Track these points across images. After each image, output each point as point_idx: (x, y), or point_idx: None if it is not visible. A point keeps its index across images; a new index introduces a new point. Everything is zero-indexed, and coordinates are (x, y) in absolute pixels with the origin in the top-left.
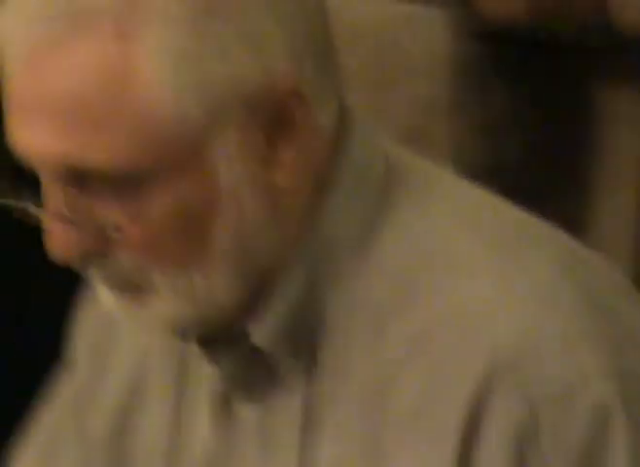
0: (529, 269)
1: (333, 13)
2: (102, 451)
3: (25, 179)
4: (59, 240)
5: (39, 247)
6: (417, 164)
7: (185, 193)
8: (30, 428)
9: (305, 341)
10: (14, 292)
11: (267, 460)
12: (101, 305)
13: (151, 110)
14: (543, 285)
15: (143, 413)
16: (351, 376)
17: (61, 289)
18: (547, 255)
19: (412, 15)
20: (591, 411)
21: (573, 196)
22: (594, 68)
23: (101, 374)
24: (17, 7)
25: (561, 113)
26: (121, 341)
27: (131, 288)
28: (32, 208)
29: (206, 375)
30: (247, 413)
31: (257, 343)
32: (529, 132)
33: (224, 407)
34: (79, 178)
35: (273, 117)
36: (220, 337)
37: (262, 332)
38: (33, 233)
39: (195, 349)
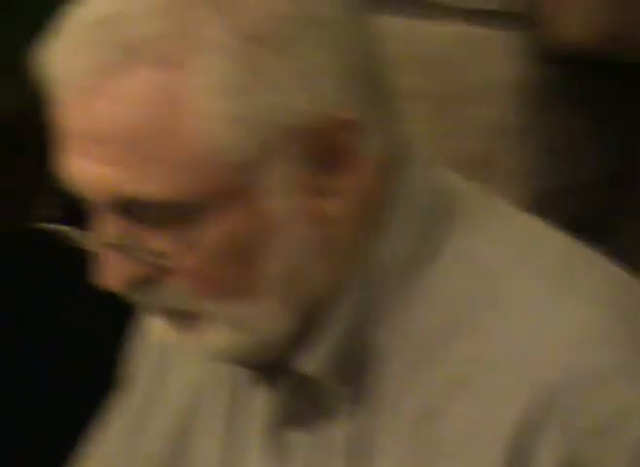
0: (576, 302)
1: (398, 36)
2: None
3: (74, 206)
4: (109, 269)
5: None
6: (471, 194)
7: (235, 223)
8: (85, 451)
9: (354, 371)
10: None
11: None
12: (152, 333)
13: (200, 141)
14: (588, 319)
15: (195, 441)
16: (398, 406)
17: (120, 313)
18: (594, 287)
19: (478, 38)
20: (636, 443)
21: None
22: None
23: (156, 399)
24: (69, 36)
25: (630, 137)
26: (173, 368)
27: (181, 316)
28: (79, 235)
29: (257, 404)
30: (296, 442)
31: (306, 373)
32: (597, 156)
33: (273, 436)
34: (129, 208)
35: (324, 147)
36: (269, 366)
37: (311, 362)
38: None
39: (245, 379)
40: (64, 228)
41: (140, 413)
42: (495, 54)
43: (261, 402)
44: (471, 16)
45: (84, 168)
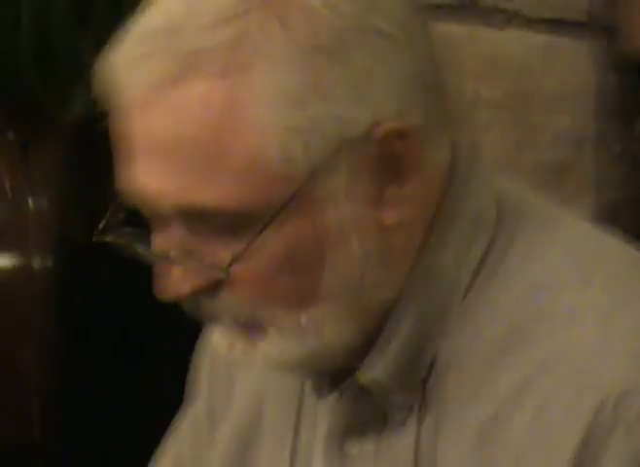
0: (638, 311)
1: (466, 43)
2: None
3: (135, 218)
4: (168, 280)
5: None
6: (532, 203)
7: (292, 233)
8: (156, 461)
9: (416, 380)
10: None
11: None
12: (214, 344)
13: (256, 151)
14: None
15: (258, 451)
16: (461, 415)
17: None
18: None
19: (551, 46)
20: None
21: None
22: None
23: (221, 413)
24: (129, 46)
25: None
26: (238, 380)
27: (241, 327)
28: (141, 248)
29: (320, 414)
30: (359, 452)
31: (368, 383)
32: None
33: (337, 446)
34: (185, 218)
35: (379, 157)
36: (332, 375)
37: (370, 371)
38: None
39: (309, 389)
40: (127, 239)
41: (205, 427)
42: (569, 63)
43: (324, 412)
44: (541, 23)
45: (142, 179)
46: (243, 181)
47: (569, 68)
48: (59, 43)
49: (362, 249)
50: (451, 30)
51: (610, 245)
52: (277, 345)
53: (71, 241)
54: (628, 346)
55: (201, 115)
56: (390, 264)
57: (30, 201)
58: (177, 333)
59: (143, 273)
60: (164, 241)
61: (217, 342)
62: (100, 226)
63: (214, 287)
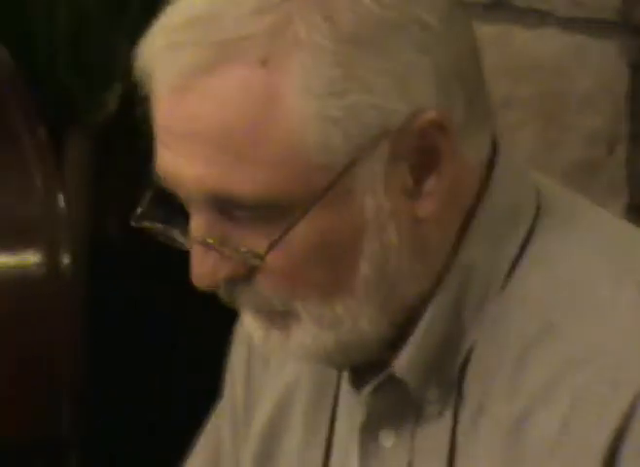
0: None
1: (498, 43)
2: None
3: (172, 205)
4: (202, 267)
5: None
6: (564, 198)
7: (327, 223)
8: (197, 443)
9: (448, 373)
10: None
11: None
12: (247, 333)
13: (294, 139)
14: None
15: (288, 441)
16: (493, 407)
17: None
18: None
19: (583, 45)
20: None
21: None
22: None
23: (253, 401)
24: (165, 33)
25: None
26: (270, 368)
27: (274, 316)
28: (178, 235)
29: (356, 407)
30: (394, 444)
31: (398, 374)
32: None
33: (372, 438)
34: (221, 205)
35: (417, 148)
36: (365, 367)
37: (402, 362)
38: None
39: (342, 381)
40: (164, 226)
41: (242, 419)
42: (601, 63)
43: (360, 405)
44: (573, 23)
45: (177, 166)
46: (281, 169)
47: (601, 68)
48: (94, 42)
49: (397, 240)
50: (484, 29)
51: (638, 240)
52: (311, 334)
53: (101, 239)
54: None
55: (240, 102)
56: (425, 256)
57: (61, 199)
58: (206, 329)
59: (172, 271)
60: (201, 228)
61: (251, 331)
62: (137, 212)
63: (249, 274)
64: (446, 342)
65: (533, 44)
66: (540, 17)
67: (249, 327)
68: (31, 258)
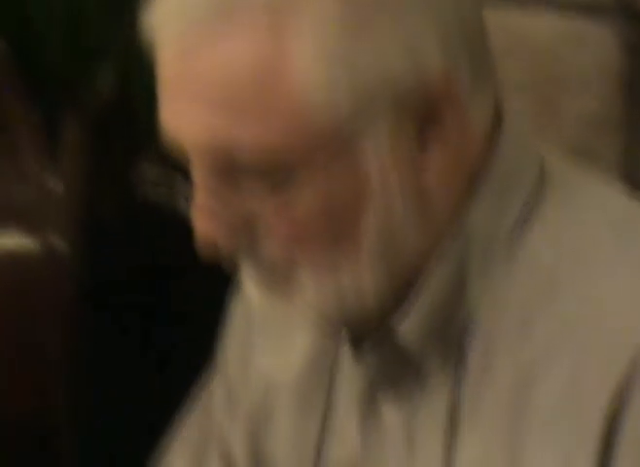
0: None
1: (496, 27)
2: (244, 452)
3: (177, 172)
4: (206, 231)
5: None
6: (568, 168)
7: (332, 187)
8: (184, 424)
9: (452, 340)
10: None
11: (413, 458)
12: (248, 300)
13: (301, 103)
14: None
15: (282, 420)
16: (495, 373)
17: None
18: None
19: (579, 29)
20: None
21: None
22: None
23: (247, 371)
24: None
25: None
26: (267, 335)
27: (277, 281)
28: (182, 199)
29: (356, 374)
30: (393, 412)
31: (399, 341)
32: None
33: (370, 407)
34: (227, 168)
35: (423, 115)
36: (367, 334)
37: (405, 329)
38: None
39: (344, 349)
40: (168, 193)
41: (234, 388)
42: (597, 48)
43: (360, 371)
44: (571, 8)
45: (181, 123)
46: (283, 131)
47: (597, 52)
48: (89, 23)
49: (402, 202)
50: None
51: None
52: (313, 297)
53: (94, 223)
54: None
55: (247, 59)
56: (429, 219)
57: (53, 183)
58: (199, 311)
59: (164, 254)
60: (205, 189)
61: (253, 292)
62: (142, 182)
63: (253, 234)
64: (449, 309)
65: (530, 28)
66: (537, 2)
67: (251, 292)
68: (26, 242)
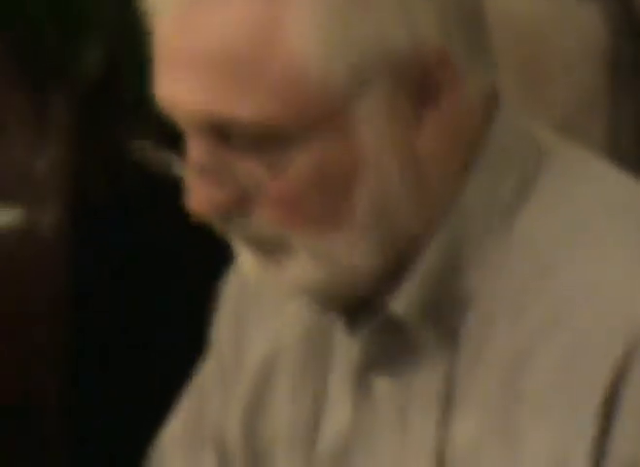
0: None
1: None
2: (239, 434)
3: (169, 137)
4: (199, 195)
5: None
6: (563, 145)
7: (327, 153)
8: (178, 409)
9: (447, 316)
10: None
11: (405, 435)
12: (242, 275)
13: (297, 66)
14: None
15: (278, 396)
16: (490, 351)
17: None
18: None
19: (566, 9)
20: None
21: None
22: None
23: (241, 351)
24: None
25: None
26: (261, 315)
27: (269, 249)
28: (175, 164)
29: (349, 351)
30: (386, 389)
31: (394, 314)
32: None
33: (363, 383)
34: (221, 132)
35: (419, 82)
36: (359, 307)
37: (399, 302)
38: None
39: (333, 326)
40: (160, 154)
41: (228, 370)
42: (586, 26)
43: (353, 349)
44: None
45: (177, 90)
46: (281, 96)
47: (582, 33)
48: None
49: (397, 174)
50: None
51: (633, 190)
52: (305, 267)
53: (84, 197)
54: None
55: (243, 27)
56: (424, 193)
57: (43, 157)
58: (190, 288)
59: (156, 231)
60: (199, 154)
61: (245, 265)
62: (133, 145)
63: (246, 203)
64: (444, 284)
65: (515, 9)
66: None
67: (243, 261)
68: (11, 219)
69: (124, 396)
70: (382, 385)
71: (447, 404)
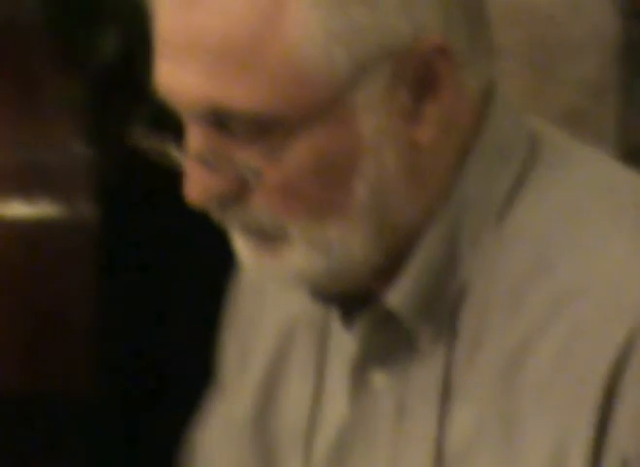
0: None
1: None
2: (248, 431)
3: (167, 124)
4: (198, 183)
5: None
6: (557, 136)
7: (325, 141)
8: (203, 414)
9: (444, 307)
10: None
11: (404, 430)
12: (244, 274)
13: (297, 54)
14: None
15: (285, 389)
16: (489, 342)
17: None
18: None
19: None
20: None
21: None
22: None
23: (247, 353)
24: None
25: None
26: (265, 316)
27: (266, 238)
28: (173, 151)
29: (346, 345)
30: (383, 381)
31: (390, 307)
32: None
33: (360, 374)
34: (221, 120)
35: (419, 72)
36: (357, 301)
37: (394, 295)
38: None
39: (335, 319)
40: (159, 143)
41: (234, 374)
42: (593, 12)
43: (350, 343)
44: None
45: (177, 78)
46: (282, 84)
47: (592, 17)
48: None
49: (395, 164)
50: None
51: (629, 177)
52: (302, 256)
53: (116, 189)
54: None
55: (244, 14)
56: (421, 184)
57: (76, 148)
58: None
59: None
60: (198, 142)
61: (242, 254)
62: (133, 129)
63: (243, 191)
64: (441, 277)
65: None
66: None
67: (240, 249)
68: (53, 209)
69: (159, 384)
70: (380, 379)
71: (446, 395)
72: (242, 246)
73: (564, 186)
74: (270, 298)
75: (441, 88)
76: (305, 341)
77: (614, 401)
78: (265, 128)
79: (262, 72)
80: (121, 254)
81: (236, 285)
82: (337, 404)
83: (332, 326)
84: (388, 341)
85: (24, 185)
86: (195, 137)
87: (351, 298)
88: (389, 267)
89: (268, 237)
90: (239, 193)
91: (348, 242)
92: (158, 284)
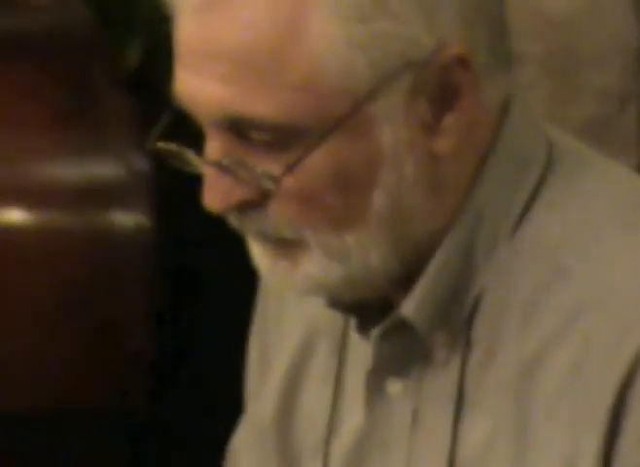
0: None
1: (515, 0)
2: (271, 434)
3: (187, 129)
4: (215, 190)
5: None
6: (576, 148)
7: (344, 151)
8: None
9: (460, 317)
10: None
11: (418, 438)
12: (265, 280)
13: (318, 63)
14: None
15: (305, 395)
16: (503, 352)
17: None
18: None
19: (597, 2)
20: None
21: None
22: None
23: (270, 358)
24: None
25: None
26: (286, 321)
27: (283, 245)
28: (191, 156)
29: (363, 353)
30: (398, 389)
31: (405, 316)
32: None
33: (378, 385)
34: (240, 127)
35: (439, 82)
36: (374, 310)
37: (408, 304)
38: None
39: (353, 327)
40: (179, 148)
41: (257, 377)
42: (615, 19)
43: (367, 351)
44: None
45: (197, 86)
46: (302, 93)
47: (614, 24)
48: None
49: (413, 174)
50: None
51: None
52: (320, 265)
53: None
54: None
55: (266, 23)
56: (439, 194)
57: (134, 160)
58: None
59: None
60: (217, 150)
61: (259, 262)
62: (152, 134)
63: (262, 200)
64: (456, 286)
65: (549, 1)
66: None
67: (257, 257)
68: (113, 220)
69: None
70: (396, 387)
71: (460, 404)
72: (260, 254)
73: (580, 198)
74: (292, 304)
75: (461, 98)
76: (325, 349)
77: (623, 414)
78: (284, 137)
79: (282, 81)
80: (178, 265)
81: (261, 291)
82: (354, 412)
83: (350, 334)
84: (404, 350)
85: (82, 198)
86: (215, 145)
87: (368, 307)
88: (406, 276)
89: (286, 246)
90: (258, 201)
91: (366, 252)
92: (216, 296)
